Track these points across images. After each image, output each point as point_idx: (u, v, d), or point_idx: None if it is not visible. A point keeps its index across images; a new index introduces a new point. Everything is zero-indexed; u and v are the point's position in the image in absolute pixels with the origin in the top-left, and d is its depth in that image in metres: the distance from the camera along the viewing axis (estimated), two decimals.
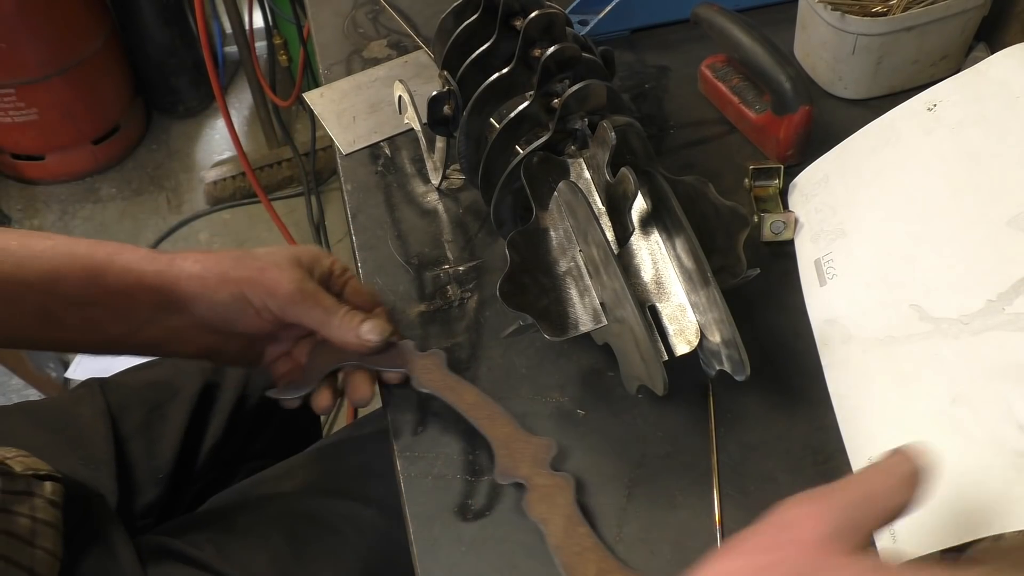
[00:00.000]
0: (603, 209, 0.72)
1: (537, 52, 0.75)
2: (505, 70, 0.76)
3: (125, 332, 0.71)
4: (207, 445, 0.96)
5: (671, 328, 0.69)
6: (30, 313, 0.69)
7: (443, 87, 0.82)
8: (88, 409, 0.92)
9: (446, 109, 0.81)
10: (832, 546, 0.43)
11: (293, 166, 2.28)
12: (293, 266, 0.70)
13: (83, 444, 0.88)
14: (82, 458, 0.86)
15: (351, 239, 0.88)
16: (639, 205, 0.72)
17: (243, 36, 2.04)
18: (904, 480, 0.45)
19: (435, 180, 0.91)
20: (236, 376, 1.00)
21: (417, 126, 0.89)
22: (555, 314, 0.69)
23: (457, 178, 0.91)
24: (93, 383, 0.97)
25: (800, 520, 0.44)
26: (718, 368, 0.68)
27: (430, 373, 0.73)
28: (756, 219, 0.82)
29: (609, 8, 1.01)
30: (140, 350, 0.75)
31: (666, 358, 0.67)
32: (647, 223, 0.72)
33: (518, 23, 0.76)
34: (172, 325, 0.72)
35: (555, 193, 0.70)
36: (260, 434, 1.01)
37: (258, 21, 2.11)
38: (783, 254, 0.82)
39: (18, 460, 0.78)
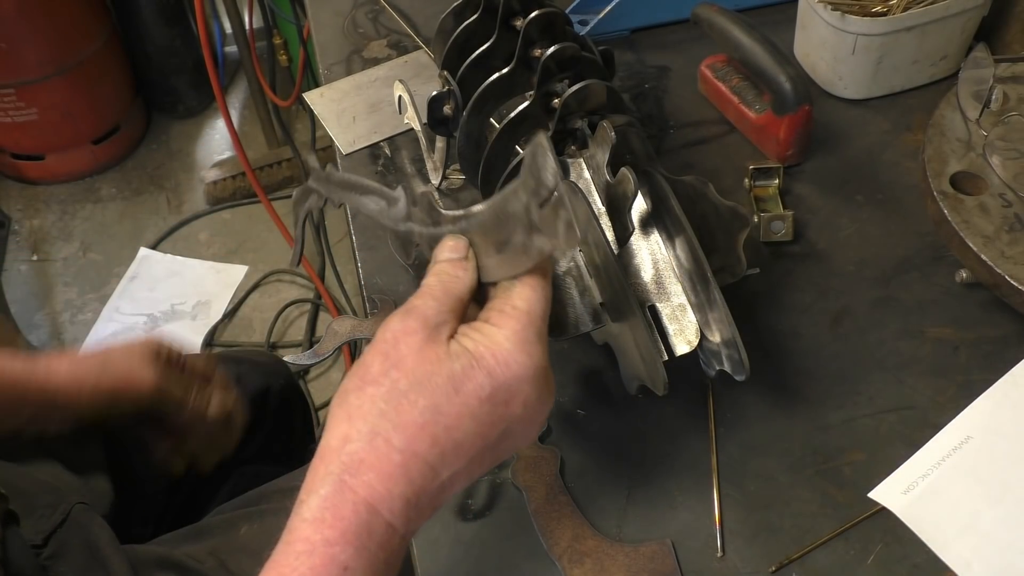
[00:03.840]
0: (603, 209, 0.72)
1: (537, 52, 0.75)
2: (505, 70, 0.76)
3: (15, 426, 0.82)
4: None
5: (671, 328, 0.69)
6: None
7: (443, 87, 0.82)
8: None
9: (446, 109, 0.81)
10: (429, 349, 0.49)
11: (293, 166, 2.28)
12: (146, 363, 0.85)
13: (73, 448, 0.87)
14: (73, 464, 0.86)
15: (351, 239, 0.88)
16: (639, 205, 0.72)
17: (243, 36, 2.04)
18: (450, 267, 0.53)
19: (435, 180, 0.91)
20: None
21: (417, 126, 0.89)
22: (555, 314, 0.69)
23: (457, 178, 0.91)
24: None
25: (399, 338, 0.50)
26: (718, 368, 0.68)
27: None
28: (756, 219, 0.82)
29: (609, 8, 1.01)
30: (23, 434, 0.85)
31: (666, 358, 0.67)
32: (647, 223, 0.72)
33: (518, 23, 0.76)
34: (55, 418, 0.83)
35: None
36: (252, 438, 1.01)
37: (258, 21, 2.11)
38: (783, 254, 0.82)
39: None
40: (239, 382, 1.00)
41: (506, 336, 0.50)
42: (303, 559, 0.46)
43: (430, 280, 0.53)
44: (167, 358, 0.86)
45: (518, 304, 0.52)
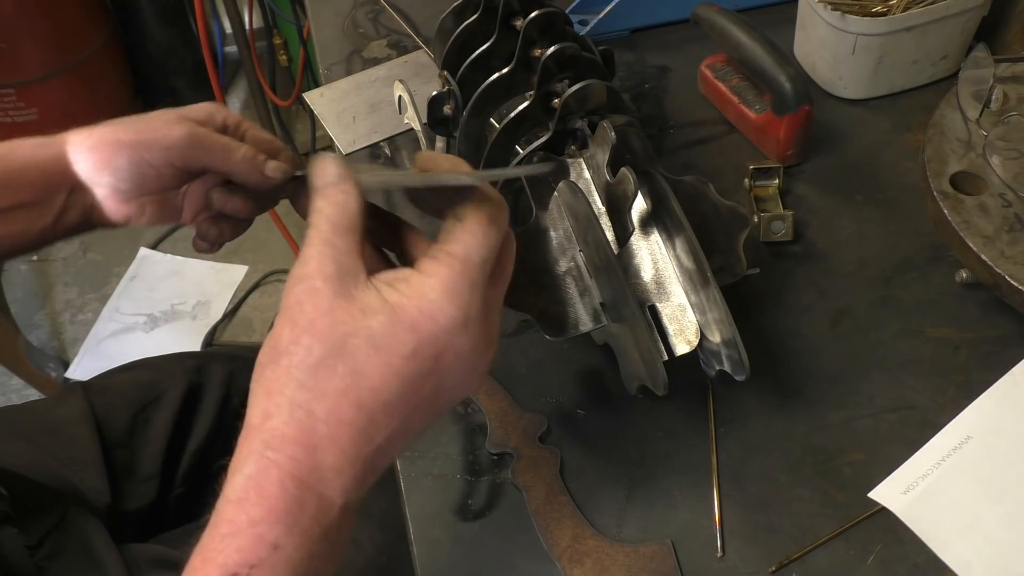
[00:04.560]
0: (603, 209, 0.72)
1: (537, 52, 0.75)
2: (505, 70, 0.76)
3: (49, 223, 0.70)
4: (192, 447, 0.96)
5: (671, 328, 0.69)
6: None
7: (443, 87, 0.82)
8: (72, 412, 0.92)
9: (446, 109, 0.81)
10: (339, 308, 0.45)
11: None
12: (182, 119, 0.68)
13: (67, 448, 0.87)
14: (66, 462, 0.86)
15: None
16: (639, 205, 0.72)
17: (243, 36, 2.04)
18: (329, 195, 0.47)
19: None
20: (220, 376, 1.00)
21: (417, 126, 0.89)
22: (555, 314, 0.69)
23: None
24: (76, 386, 0.96)
25: (303, 300, 0.46)
26: (718, 368, 0.68)
27: None
28: (756, 219, 0.82)
29: (609, 8, 1.01)
30: (67, 235, 0.73)
31: (666, 358, 0.67)
32: (647, 223, 0.72)
33: (518, 23, 0.76)
34: (88, 203, 0.70)
35: (555, 193, 0.70)
36: None
37: (258, 21, 2.11)
38: (783, 254, 0.82)
39: None
40: (231, 378, 1.00)
41: (432, 286, 0.46)
42: (228, 541, 0.44)
43: (313, 220, 0.48)
44: (215, 127, 0.70)
45: (453, 249, 0.48)
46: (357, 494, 0.47)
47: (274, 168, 0.67)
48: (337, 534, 0.46)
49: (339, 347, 0.45)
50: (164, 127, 0.67)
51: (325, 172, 0.48)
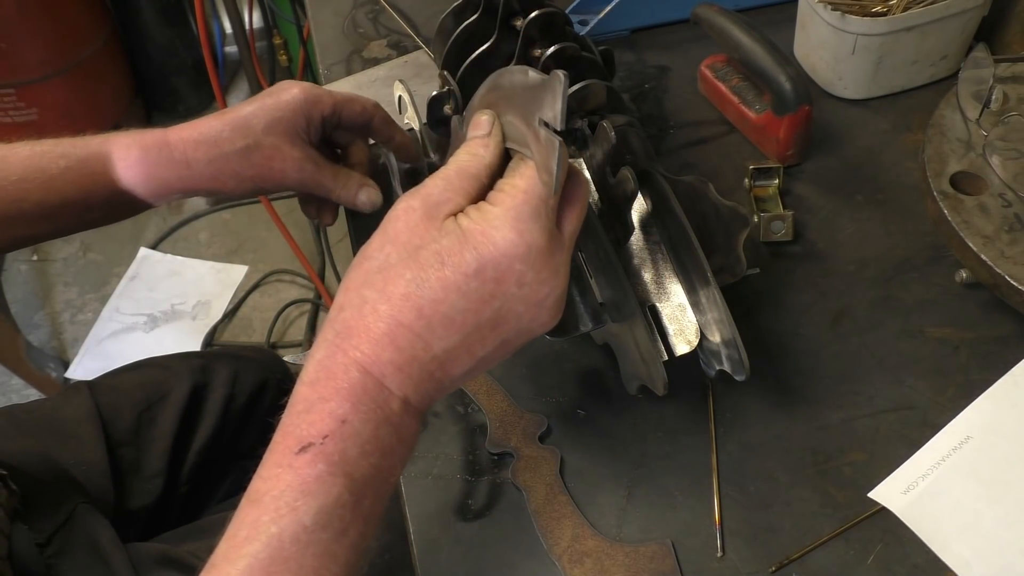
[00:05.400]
0: (603, 209, 0.72)
1: (537, 52, 0.75)
2: None
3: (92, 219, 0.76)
4: (196, 446, 0.96)
5: (671, 328, 0.69)
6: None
7: (443, 87, 0.82)
8: (78, 412, 0.92)
9: (446, 109, 0.81)
10: (423, 225, 0.51)
11: None
12: (294, 144, 0.74)
13: (73, 447, 0.87)
14: (72, 461, 0.86)
15: (351, 239, 0.88)
16: (639, 205, 0.72)
17: (243, 36, 2.04)
18: (471, 146, 0.54)
19: None
20: (225, 375, 1.00)
21: (417, 126, 0.89)
22: None
23: None
24: (81, 385, 0.96)
25: (399, 216, 0.51)
26: (718, 368, 0.68)
27: None
28: (756, 219, 0.82)
29: (609, 8, 1.01)
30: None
31: (666, 358, 0.67)
32: (647, 223, 0.72)
33: (518, 23, 0.76)
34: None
35: None
36: (249, 432, 1.01)
37: (258, 21, 2.11)
38: (783, 254, 0.82)
39: None
40: (236, 378, 1.00)
41: (497, 213, 0.50)
42: (302, 416, 0.49)
43: (450, 159, 0.54)
44: (320, 120, 0.75)
45: (518, 182, 0.51)
46: (417, 396, 0.51)
47: (365, 200, 0.77)
48: (401, 424, 0.50)
49: (411, 256, 0.50)
50: (282, 165, 0.74)
51: (478, 124, 0.55)
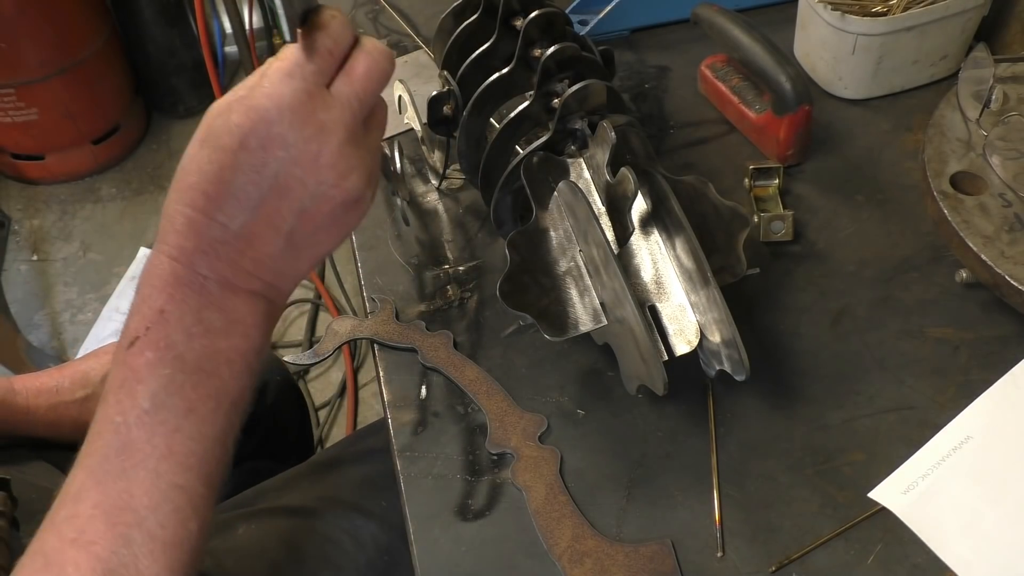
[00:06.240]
0: (603, 209, 0.72)
1: (537, 52, 0.75)
2: (505, 70, 0.76)
3: None
4: None
5: (671, 328, 0.69)
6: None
7: (443, 87, 0.82)
8: None
9: (446, 109, 0.81)
10: (210, 120, 0.53)
11: None
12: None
13: (71, 452, 0.87)
14: (70, 467, 0.86)
15: (351, 239, 0.88)
16: (639, 205, 0.72)
17: (243, 36, 2.04)
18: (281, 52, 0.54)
19: (435, 180, 0.91)
20: None
21: (417, 126, 0.89)
22: (555, 314, 0.69)
23: (457, 178, 0.91)
24: None
25: (210, 112, 0.54)
26: (718, 368, 0.68)
27: (436, 351, 0.77)
28: (756, 219, 0.82)
29: (609, 8, 1.01)
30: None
31: (666, 358, 0.67)
32: (647, 223, 0.72)
33: (518, 23, 0.76)
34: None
35: (555, 193, 0.70)
36: (251, 434, 1.01)
37: (258, 21, 2.12)
38: (783, 254, 0.82)
39: None
40: None
41: (255, 86, 0.53)
42: (131, 319, 0.54)
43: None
44: None
45: (279, 56, 0.54)
46: (238, 276, 0.54)
47: None
48: (228, 306, 0.54)
49: (196, 150, 0.53)
50: None
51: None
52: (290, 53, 0.53)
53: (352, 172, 0.55)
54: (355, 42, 0.56)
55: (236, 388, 0.55)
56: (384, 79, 0.57)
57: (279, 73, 0.53)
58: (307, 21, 0.53)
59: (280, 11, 1.63)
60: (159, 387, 0.52)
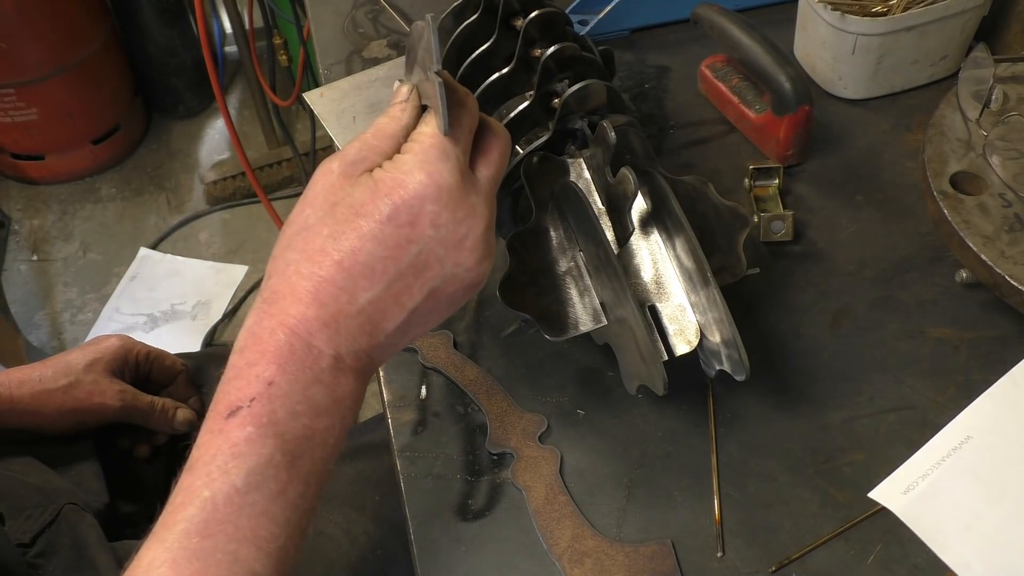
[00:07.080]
0: (603, 209, 0.72)
1: (537, 52, 0.75)
2: (505, 70, 0.76)
3: None
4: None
5: (671, 328, 0.69)
6: None
7: None
8: None
9: None
10: (339, 184, 0.52)
11: (293, 166, 2.28)
12: (112, 380, 0.86)
13: (63, 449, 0.87)
14: (64, 467, 0.86)
15: None
16: (639, 205, 0.72)
17: (243, 36, 2.04)
18: (391, 111, 0.55)
19: None
20: (217, 377, 0.99)
21: None
22: (555, 314, 0.69)
23: None
24: None
25: (316, 179, 0.53)
26: (718, 368, 0.68)
27: (436, 351, 0.77)
28: (756, 219, 0.82)
29: (609, 8, 1.01)
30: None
31: (666, 358, 0.67)
32: (647, 223, 0.72)
33: (518, 23, 0.76)
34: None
35: (555, 193, 0.70)
36: None
37: (258, 21, 2.11)
38: (783, 254, 0.82)
39: None
40: None
41: (407, 160, 0.52)
42: (232, 383, 0.50)
43: (371, 125, 0.56)
44: (135, 366, 0.89)
45: (425, 129, 0.53)
46: (350, 352, 0.52)
47: (180, 422, 0.89)
48: (334, 383, 0.51)
49: (327, 214, 0.51)
50: (100, 399, 0.85)
51: (398, 92, 0.56)
52: (435, 130, 0.53)
53: (488, 257, 0.54)
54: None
55: (324, 471, 0.52)
56: (507, 163, 0.57)
57: (435, 150, 0.52)
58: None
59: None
60: (256, 466, 0.48)
